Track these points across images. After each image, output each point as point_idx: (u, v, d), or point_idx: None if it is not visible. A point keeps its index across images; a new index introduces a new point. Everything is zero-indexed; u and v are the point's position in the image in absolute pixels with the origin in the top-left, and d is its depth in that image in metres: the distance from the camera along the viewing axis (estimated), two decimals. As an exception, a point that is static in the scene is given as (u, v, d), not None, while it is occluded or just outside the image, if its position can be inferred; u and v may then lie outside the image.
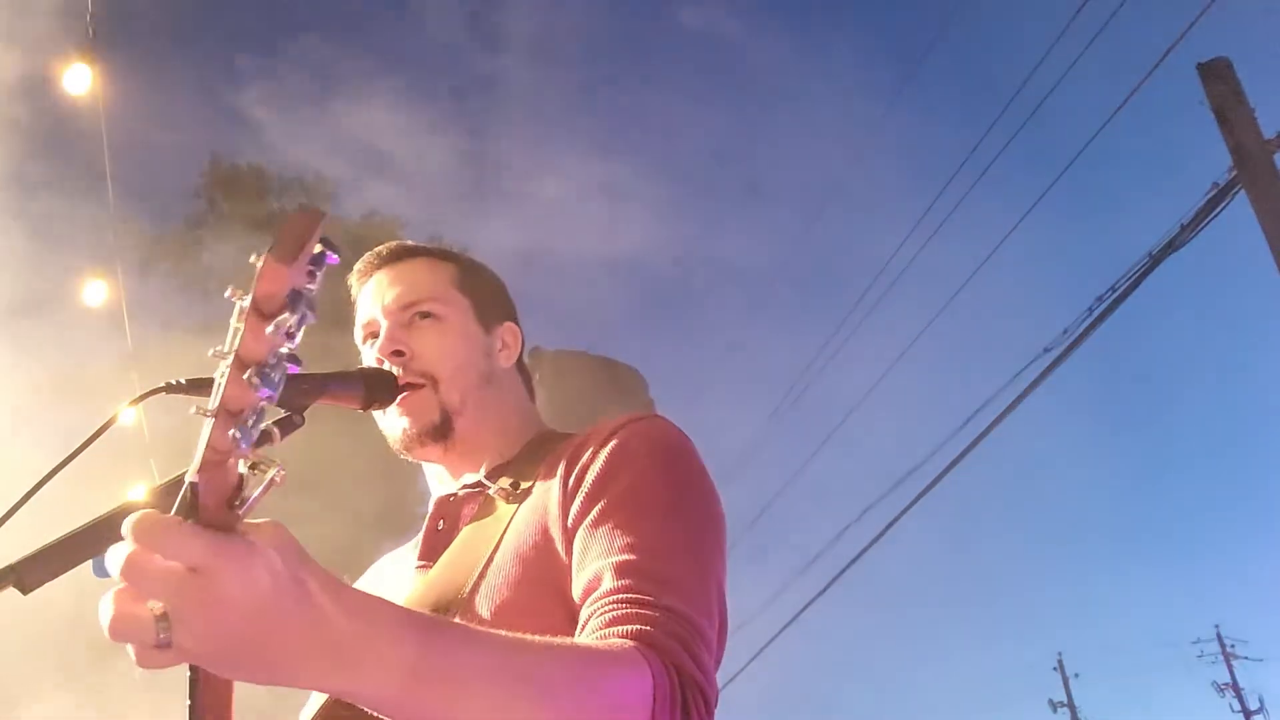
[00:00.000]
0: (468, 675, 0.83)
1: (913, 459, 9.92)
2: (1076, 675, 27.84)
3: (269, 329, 0.66)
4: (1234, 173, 7.75)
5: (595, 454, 1.25)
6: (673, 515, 1.17)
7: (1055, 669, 27.90)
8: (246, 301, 0.66)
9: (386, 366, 1.38)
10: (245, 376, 0.67)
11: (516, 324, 1.53)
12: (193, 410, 0.70)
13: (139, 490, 1.08)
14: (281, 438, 1.18)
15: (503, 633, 0.90)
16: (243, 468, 0.72)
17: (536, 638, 0.92)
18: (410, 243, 1.52)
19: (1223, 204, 7.70)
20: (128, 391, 1.15)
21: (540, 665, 0.90)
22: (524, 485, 1.31)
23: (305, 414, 1.22)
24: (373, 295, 1.46)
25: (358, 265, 1.51)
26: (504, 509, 1.29)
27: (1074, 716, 27.19)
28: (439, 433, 1.37)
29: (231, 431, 0.68)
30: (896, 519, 10.07)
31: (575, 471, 1.24)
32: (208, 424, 0.68)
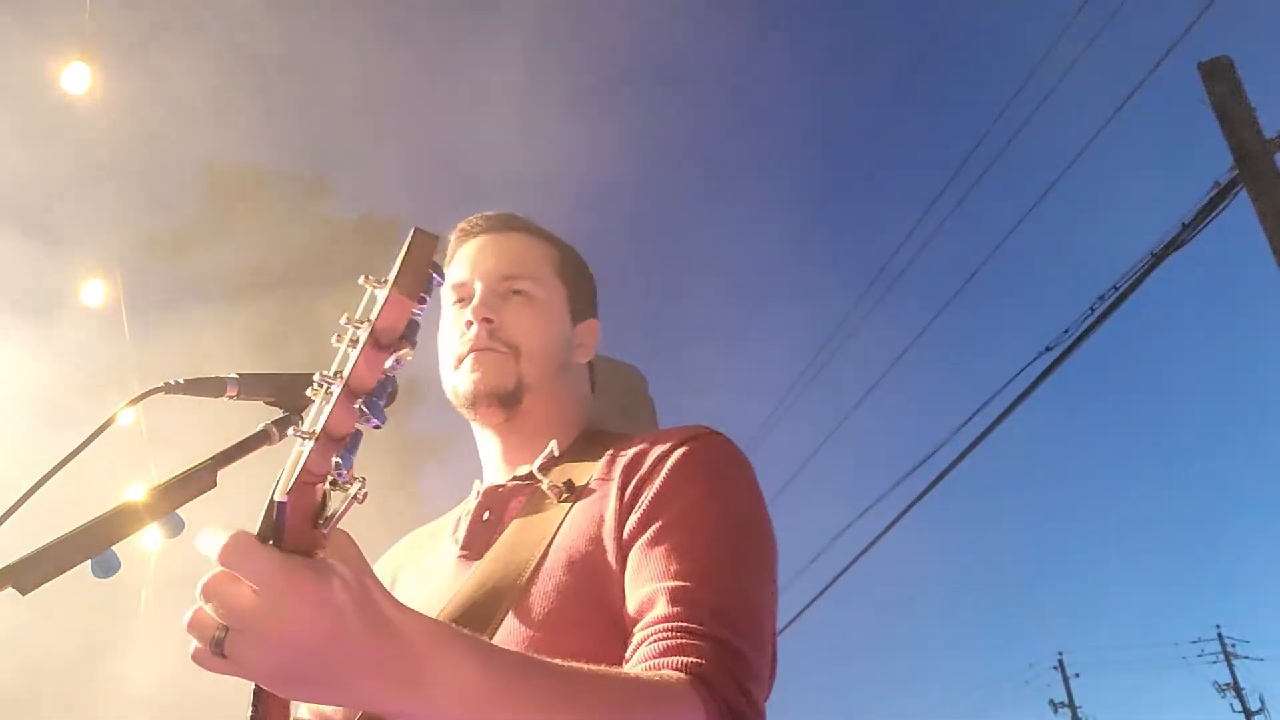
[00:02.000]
0: (527, 702, 0.84)
1: (913, 459, 9.93)
2: (1077, 675, 27.92)
3: (388, 362, 0.67)
4: (1235, 172, 7.75)
5: (655, 468, 1.22)
6: (730, 542, 1.15)
7: (1055, 669, 27.93)
8: (364, 331, 0.67)
9: (473, 331, 1.36)
10: (356, 405, 0.68)
11: (597, 323, 1.51)
12: (290, 431, 0.71)
13: (137, 490, 1.08)
14: (280, 438, 1.19)
15: (560, 662, 0.91)
16: (325, 484, 0.73)
17: (593, 668, 0.93)
18: (519, 215, 1.49)
19: (1224, 203, 7.70)
20: (126, 391, 1.14)
21: (597, 695, 0.90)
22: (577, 485, 1.28)
23: (304, 414, 1.22)
24: (471, 259, 1.43)
25: (461, 224, 1.48)
26: (555, 508, 1.26)
27: (1074, 716, 27.19)
28: (507, 400, 1.35)
29: (335, 458, 0.69)
30: (897, 519, 10.08)
31: (633, 483, 1.22)
32: (306, 446, 0.69)
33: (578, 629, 1.12)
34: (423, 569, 1.39)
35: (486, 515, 1.34)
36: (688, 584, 1.08)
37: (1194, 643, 28.41)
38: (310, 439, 0.69)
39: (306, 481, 0.70)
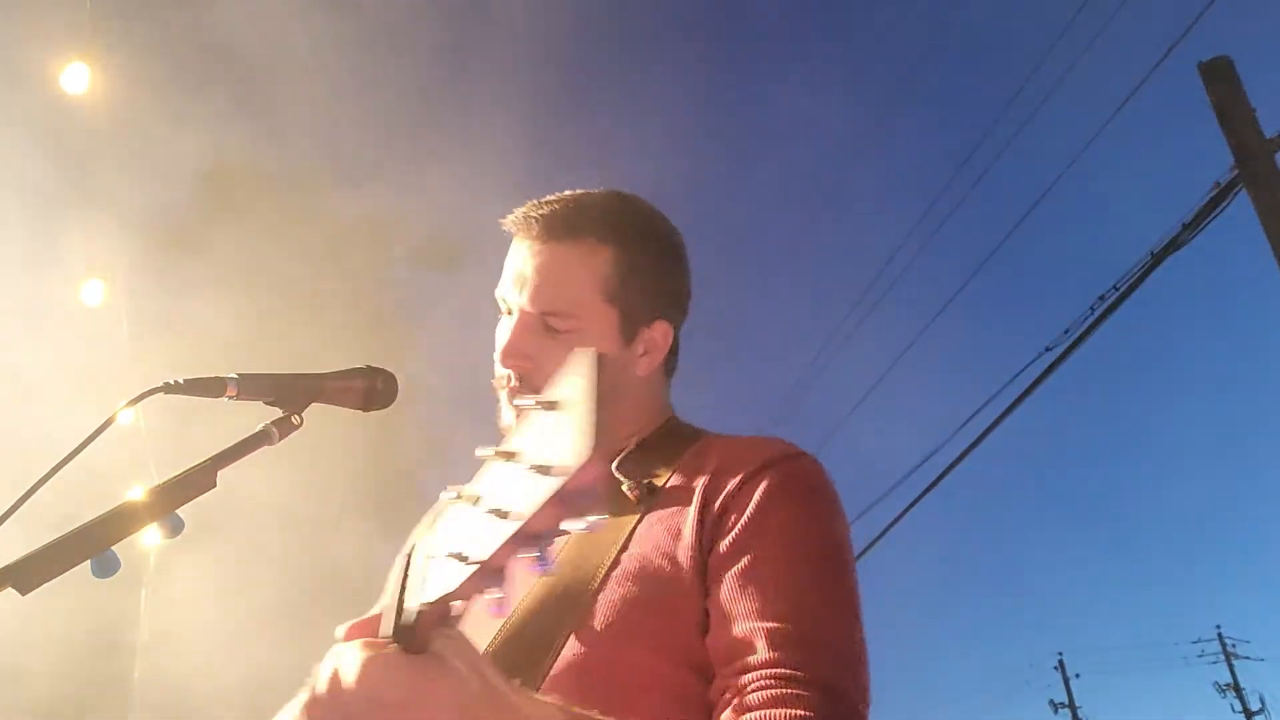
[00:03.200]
0: None
1: (913, 459, 9.93)
2: (1077, 675, 27.95)
3: (581, 527, 0.66)
4: (1235, 172, 7.75)
5: (742, 489, 1.17)
6: (827, 580, 1.11)
7: (1056, 669, 27.92)
8: (553, 481, 0.65)
9: (505, 373, 1.32)
10: (528, 553, 0.67)
11: (673, 316, 1.39)
12: (445, 553, 0.72)
13: (137, 490, 1.08)
14: (280, 438, 1.18)
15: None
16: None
17: None
18: (573, 209, 1.35)
19: (1224, 203, 7.70)
20: (125, 391, 1.14)
21: None
22: (657, 487, 1.23)
23: (304, 415, 1.22)
24: (516, 270, 1.34)
25: (518, 211, 1.37)
26: (630, 510, 1.22)
27: (1074, 716, 27.19)
28: None
29: (493, 592, 0.70)
30: (897, 519, 10.08)
31: (718, 503, 1.17)
32: (463, 569, 0.70)
33: (640, 640, 1.10)
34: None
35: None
36: (788, 626, 1.04)
37: (1194, 643, 28.45)
38: (463, 562, 0.69)
39: (454, 599, 0.72)
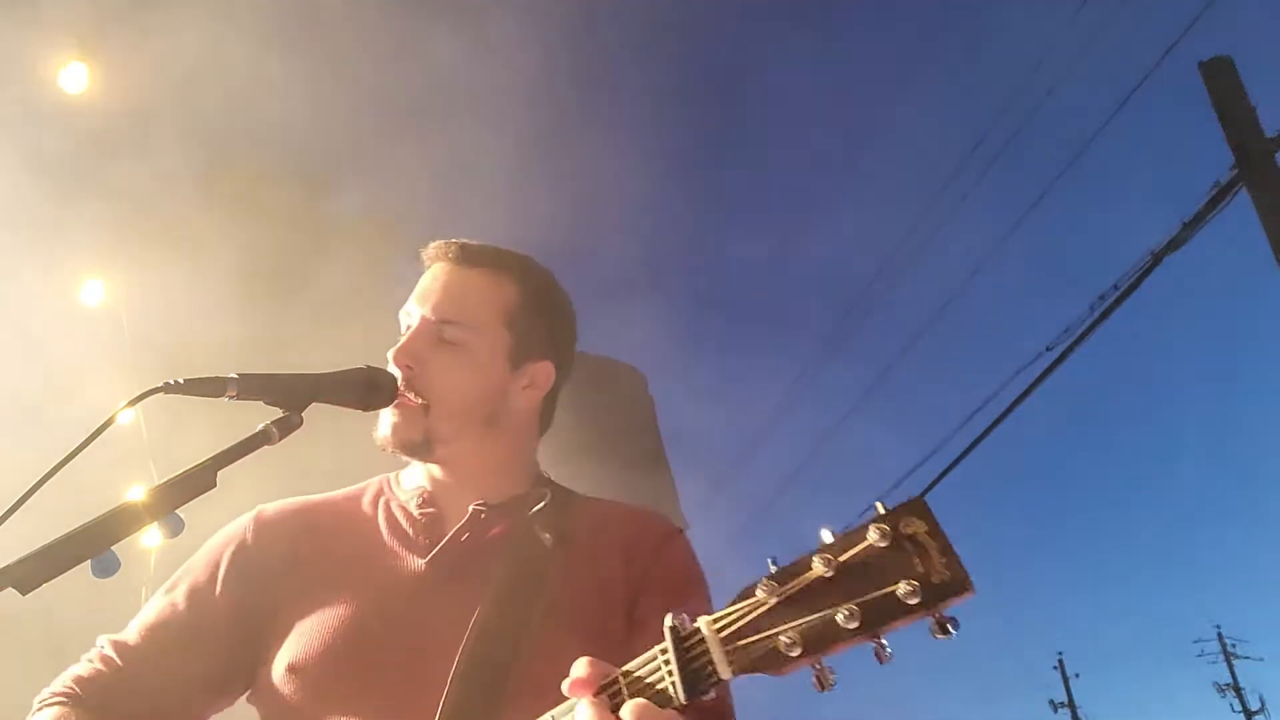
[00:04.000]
0: None
1: (913, 458, 9.93)
2: (1077, 675, 27.89)
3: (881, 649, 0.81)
4: (1235, 171, 7.75)
5: (657, 560, 1.38)
6: None
7: (1055, 669, 27.92)
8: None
9: (387, 369, 1.37)
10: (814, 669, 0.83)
11: (559, 361, 1.48)
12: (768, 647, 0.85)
13: (137, 491, 1.08)
14: (280, 438, 1.19)
15: None
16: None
17: None
18: (484, 245, 1.46)
19: (1224, 202, 7.70)
20: (126, 392, 1.14)
21: None
22: (567, 537, 1.37)
23: (303, 415, 1.22)
24: (424, 289, 1.43)
25: (429, 246, 1.47)
26: (545, 555, 1.34)
27: (1074, 716, 27.18)
28: (416, 451, 1.38)
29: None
30: (897, 518, 10.04)
31: (640, 569, 1.36)
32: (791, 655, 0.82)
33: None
34: (363, 566, 1.36)
35: (466, 536, 1.35)
36: None
37: (1194, 643, 28.44)
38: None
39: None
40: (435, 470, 1.43)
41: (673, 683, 0.89)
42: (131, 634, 1.36)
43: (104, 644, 1.37)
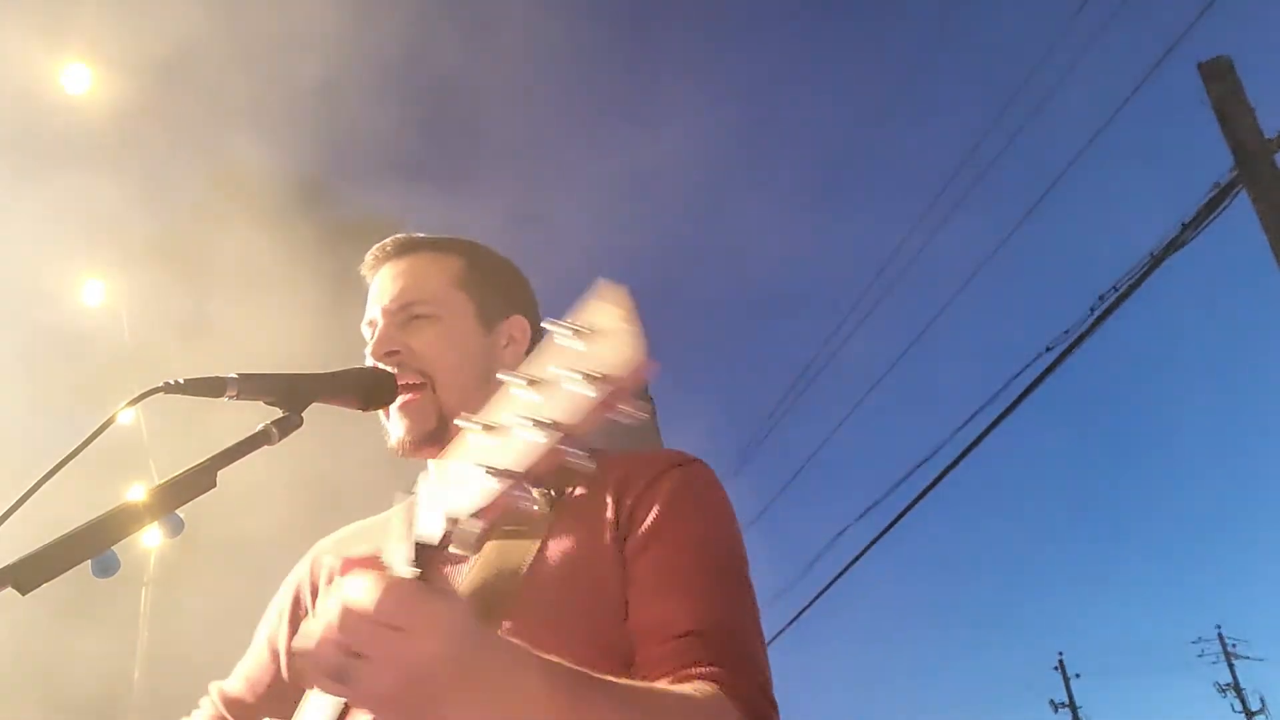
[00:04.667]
0: (594, 712, 0.92)
1: (913, 459, 9.92)
2: (1077, 675, 27.86)
3: (622, 417, 0.72)
4: (1235, 172, 7.74)
5: (652, 490, 1.28)
6: (727, 563, 1.26)
7: (1056, 669, 27.91)
8: (605, 387, 0.70)
9: (381, 367, 1.37)
10: (570, 450, 0.73)
11: (528, 316, 1.49)
12: (460, 477, 0.78)
13: (137, 490, 1.08)
14: (280, 438, 1.18)
15: (613, 679, 0.99)
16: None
17: (639, 684, 1.05)
18: (415, 235, 1.49)
19: (1224, 203, 7.70)
20: (126, 391, 1.14)
21: (649, 708, 1.01)
22: (563, 494, 1.32)
23: (304, 415, 1.22)
24: (376, 292, 1.45)
25: (366, 259, 1.49)
26: (530, 519, 1.29)
27: (1075, 716, 27.18)
28: (434, 438, 1.36)
29: (532, 491, 0.76)
30: (897, 519, 10.07)
31: (630, 501, 1.27)
32: (491, 482, 0.75)
33: (572, 641, 1.12)
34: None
35: None
36: (699, 602, 1.18)
37: (1194, 643, 28.42)
38: (499, 476, 0.75)
39: (492, 518, 0.78)
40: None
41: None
42: (233, 682, 1.42)
43: (214, 692, 1.42)
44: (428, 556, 0.83)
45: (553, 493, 1.31)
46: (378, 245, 1.49)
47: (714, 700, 1.07)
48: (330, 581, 1.42)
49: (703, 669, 1.10)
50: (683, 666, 1.11)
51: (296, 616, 1.43)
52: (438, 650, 0.79)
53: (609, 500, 1.28)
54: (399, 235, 1.49)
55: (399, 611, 0.78)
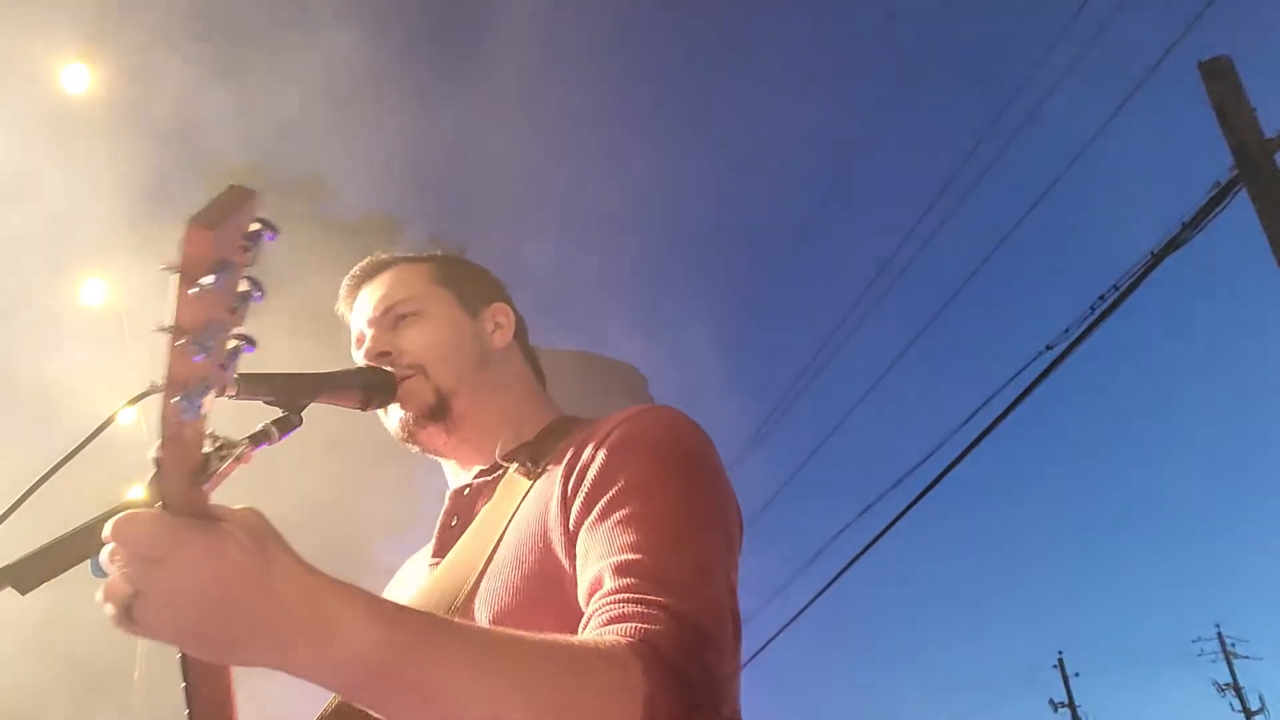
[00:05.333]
0: (437, 661, 0.82)
1: (913, 459, 9.92)
2: (1077, 674, 27.83)
3: (193, 290, 0.67)
4: (1235, 171, 7.74)
5: (596, 450, 1.20)
6: (677, 510, 1.12)
7: (1055, 668, 27.90)
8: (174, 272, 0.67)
9: (381, 366, 1.38)
10: (180, 343, 0.69)
11: (508, 303, 1.52)
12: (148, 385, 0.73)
13: (136, 490, 1.08)
14: (280, 437, 1.19)
15: (485, 627, 0.93)
16: (208, 448, 0.76)
17: (519, 632, 0.91)
18: (383, 255, 1.52)
19: (1224, 203, 7.69)
20: (126, 391, 1.14)
21: (519, 656, 0.88)
22: (541, 464, 1.30)
23: (303, 414, 1.22)
24: (358, 311, 1.47)
25: (341, 291, 1.52)
26: (519, 488, 1.29)
27: (1074, 716, 27.17)
28: (435, 413, 1.36)
29: (175, 399, 0.70)
30: (897, 519, 10.06)
31: (576, 469, 1.20)
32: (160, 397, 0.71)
33: (531, 623, 1.09)
34: (405, 584, 1.42)
35: (454, 521, 1.36)
36: (635, 556, 1.05)
37: (1194, 642, 28.38)
38: (159, 390, 0.71)
39: (170, 435, 0.72)
40: (454, 462, 1.44)
41: None
42: None
43: None
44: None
45: (533, 462, 1.30)
46: (348, 276, 1.51)
47: (615, 652, 0.93)
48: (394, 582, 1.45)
49: (626, 625, 0.97)
50: (604, 624, 0.99)
51: None
52: (202, 579, 0.73)
53: (560, 473, 1.22)
54: (365, 260, 1.52)
55: (155, 543, 0.73)
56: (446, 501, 1.40)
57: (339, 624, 0.78)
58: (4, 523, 1.07)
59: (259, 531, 0.78)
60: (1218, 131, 7.95)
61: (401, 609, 0.86)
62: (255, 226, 0.70)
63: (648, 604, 0.99)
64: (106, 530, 0.75)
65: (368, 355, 1.39)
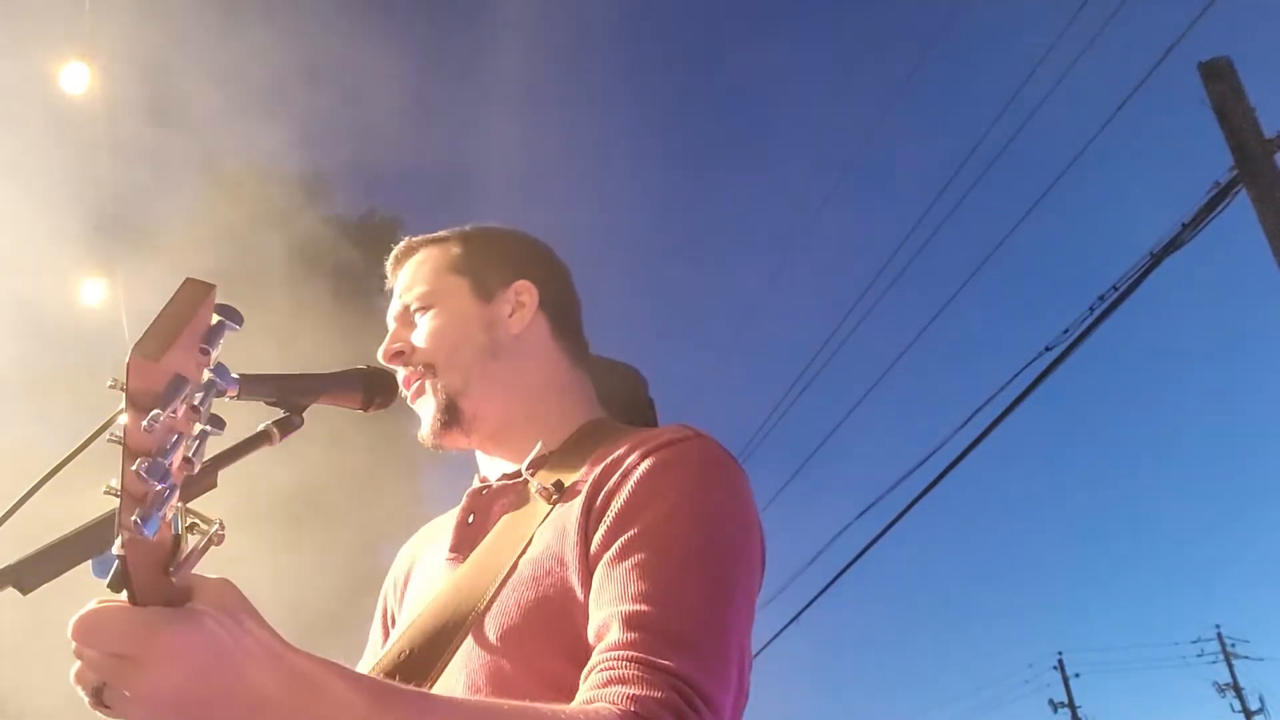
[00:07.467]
0: None
1: (913, 459, 9.92)
2: (1077, 675, 27.87)
3: (144, 423, 0.63)
4: (1235, 172, 7.75)
5: (625, 477, 1.14)
6: (701, 559, 1.07)
7: (1055, 669, 27.91)
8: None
9: (397, 371, 1.37)
10: (134, 468, 0.64)
11: (535, 278, 1.41)
12: (103, 489, 0.68)
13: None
14: (281, 438, 1.18)
15: (471, 700, 0.90)
16: (179, 528, 0.71)
17: (509, 703, 0.90)
18: (414, 239, 1.48)
19: (1224, 203, 7.70)
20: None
21: None
22: (566, 485, 1.21)
23: (305, 415, 1.22)
24: (391, 303, 1.45)
25: (387, 262, 1.50)
26: (539, 508, 1.22)
27: (1074, 716, 27.18)
28: (449, 419, 1.34)
29: (133, 516, 0.65)
30: (897, 519, 10.06)
31: (602, 494, 1.15)
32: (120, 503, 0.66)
33: (538, 647, 1.09)
34: (424, 569, 1.40)
35: (471, 519, 1.33)
36: (646, 608, 1.01)
37: (1194, 643, 28.40)
38: (117, 496, 0.66)
39: (129, 537, 0.67)
40: (482, 455, 1.42)
41: None
42: None
43: None
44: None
45: (555, 481, 1.22)
46: (388, 259, 1.49)
47: None
48: (408, 580, 1.42)
49: (623, 690, 0.94)
50: (603, 685, 0.96)
51: (386, 620, 1.44)
52: (175, 681, 0.69)
53: (585, 495, 1.16)
54: (400, 243, 1.49)
55: (123, 642, 0.69)
56: (464, 499, 1.37)
57: (320, 708, 0.76)
58: (4, 523, 1.07)
59: (233, 608, 0.75)
60: (1218, 131, 7.96)
61: (382, 686, 0.84)
62: (215, 321, 0.65)
63: (650, 667, 0.96)
64: (69, 628, 0.71)
65: (384, 354, 1.38)
